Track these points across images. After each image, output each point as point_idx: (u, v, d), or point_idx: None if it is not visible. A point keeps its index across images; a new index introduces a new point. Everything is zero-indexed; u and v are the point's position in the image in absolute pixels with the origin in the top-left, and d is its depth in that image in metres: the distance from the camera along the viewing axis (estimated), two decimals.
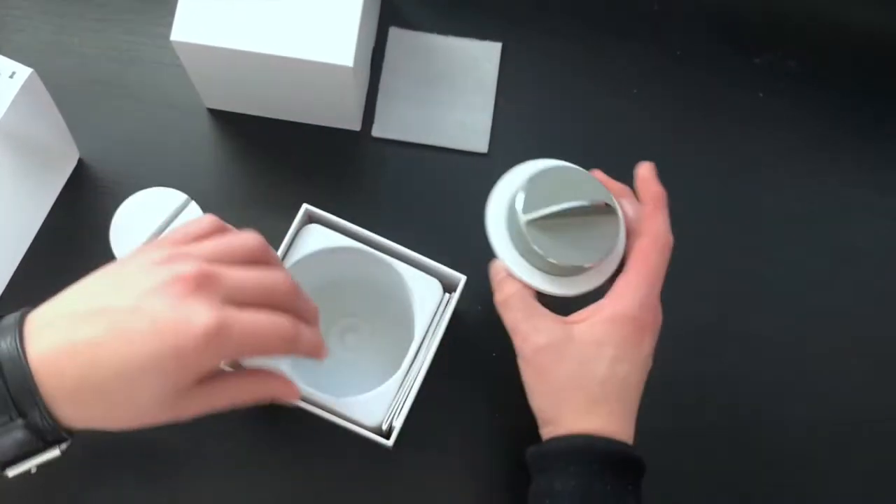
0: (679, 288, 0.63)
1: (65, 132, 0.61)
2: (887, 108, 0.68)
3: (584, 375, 0.48)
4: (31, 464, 0.40)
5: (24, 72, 0.53)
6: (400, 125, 0.65)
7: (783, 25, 0.69)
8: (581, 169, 0.53)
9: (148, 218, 0.60)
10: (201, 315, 0.37)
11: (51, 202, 0.63)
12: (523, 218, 0.50)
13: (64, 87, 0.64)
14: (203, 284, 0.38)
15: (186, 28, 0.56)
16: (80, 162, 0.64)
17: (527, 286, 0.51)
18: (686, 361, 0.62)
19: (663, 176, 0.65)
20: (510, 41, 0.67)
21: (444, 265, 0.55)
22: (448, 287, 0.55)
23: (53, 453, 0.40)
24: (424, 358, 0.52)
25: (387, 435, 0.52)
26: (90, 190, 0.63)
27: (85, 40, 0.66)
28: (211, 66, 0.59)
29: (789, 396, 0.62)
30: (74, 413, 0.39)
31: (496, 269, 0.52)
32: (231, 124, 0.65)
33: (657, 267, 0.49)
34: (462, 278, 0.53)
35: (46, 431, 0.39)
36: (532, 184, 0.51)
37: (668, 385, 0.62)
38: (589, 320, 0.49)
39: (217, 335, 0.38)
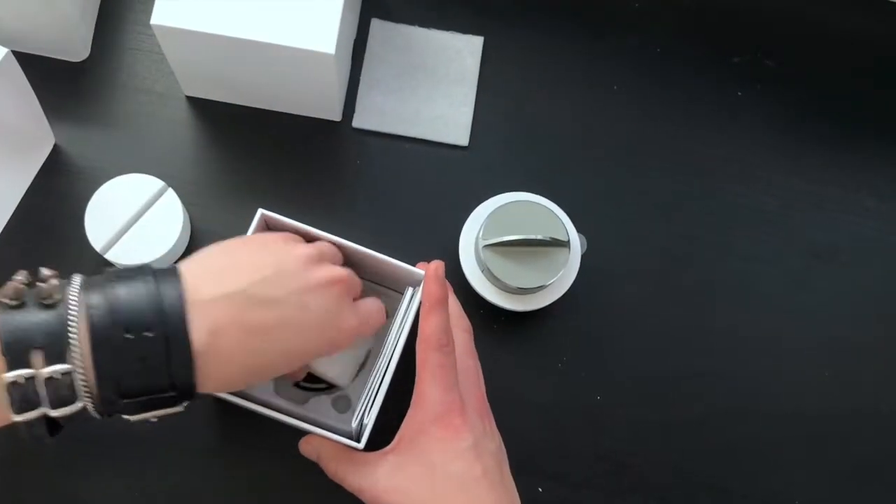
0: (657, 285, 0.64)
1: (40, 116, 0.60)
2: (863, 108, 0.68)
3: (439, 494, 0.48)
4: (153, 414, 0.42)
5: None
6: (380, 116, 0.65)
7: (762, 25, 0.69)
8: (545, 205, 0.60)
9: (124, 204, 0.59)
10: (351, 319, 0.48)
11: (25, 187, 0.62)
12: (482, 242, 0.58)
13: (40, 70, 0.63)
14: (347, 289, 0.48)
15: (167, 12, 0.55)
16: (55, 147, 0.63)
17: (332, 442, 0.52)
18: (664, 359, 0.63)
19: (645, 173, 0.66)
20: (492, 35, 0.68)
21: (421, 257, 0.55)
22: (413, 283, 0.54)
23: (178, 409, 0.43)
24: (390, 357, 0.52)
25: (357, 436, 0.51)
26: (65, 175, 0.63)
27: None
28: (191, 52, 0.58)
29: (766, 393, 0.63)
30: (217, 384, 0.43)
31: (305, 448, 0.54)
32: (209, 112, 0.65)
33: (440, 364, 0.49)
34: (422, 274, 0.52)
35: (186, 396, 0.42)
36: (496, 213, 0.59)
37: (646, 382, 0.63)
38: (405, 443, 0.49)
39: (358, 332, 0.48)
